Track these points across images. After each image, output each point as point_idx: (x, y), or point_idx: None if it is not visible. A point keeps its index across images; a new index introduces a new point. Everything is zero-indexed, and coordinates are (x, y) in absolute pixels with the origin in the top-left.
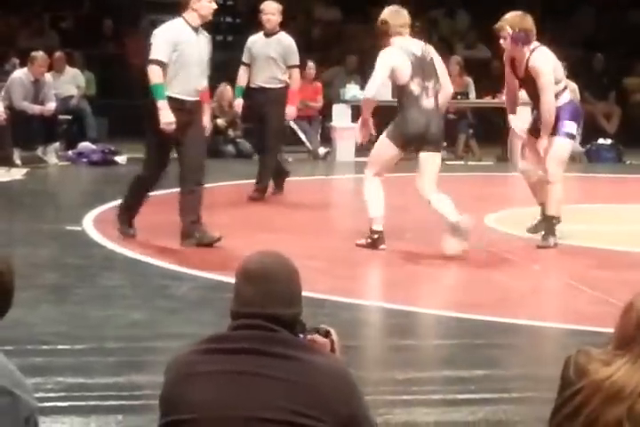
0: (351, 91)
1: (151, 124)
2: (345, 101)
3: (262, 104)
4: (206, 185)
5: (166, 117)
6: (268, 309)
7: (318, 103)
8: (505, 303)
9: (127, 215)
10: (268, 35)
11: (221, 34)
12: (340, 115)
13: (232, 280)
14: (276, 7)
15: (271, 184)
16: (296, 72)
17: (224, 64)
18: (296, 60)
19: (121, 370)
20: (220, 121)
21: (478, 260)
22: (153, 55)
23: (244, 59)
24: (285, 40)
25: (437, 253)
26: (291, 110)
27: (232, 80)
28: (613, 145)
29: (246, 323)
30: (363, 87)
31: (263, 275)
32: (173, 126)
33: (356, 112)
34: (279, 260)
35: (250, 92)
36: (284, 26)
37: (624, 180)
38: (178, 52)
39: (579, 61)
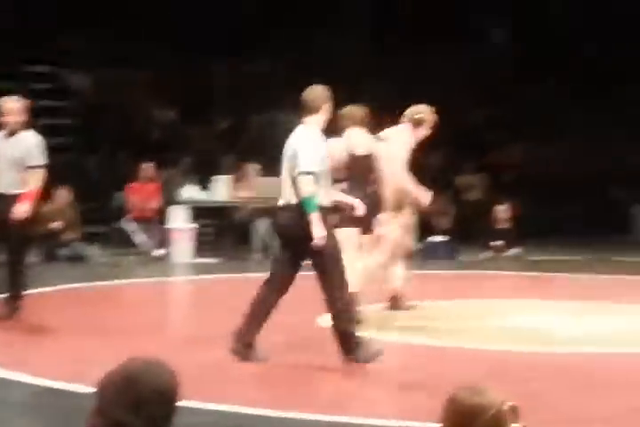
0: (188, 191)
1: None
2: (181, 202)
3: (3, 212)
4: (41, 289)
5: (321, 232)
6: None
7: (156, 204)
8: (337, 401)
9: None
10: (8, 135)
11: (57, 136)
12: (177, 216)
13: (62, 386)
14: (14, 107)
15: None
16: (36, 173)
17: (60, 166)
18: (38, 160)
19: None
20: (55, 224)
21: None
22: (308, 167)
23: None
24: (28, 140)
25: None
26: (21, 208)
27: (65, 182)
28: (447, 242)
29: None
30: (202, 187)
31: (126, 379)
32: (324, 241)
33: (194, 213)
34: (152, 367)
35: None
36: (125, 127)
37: (457, 276)
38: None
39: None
